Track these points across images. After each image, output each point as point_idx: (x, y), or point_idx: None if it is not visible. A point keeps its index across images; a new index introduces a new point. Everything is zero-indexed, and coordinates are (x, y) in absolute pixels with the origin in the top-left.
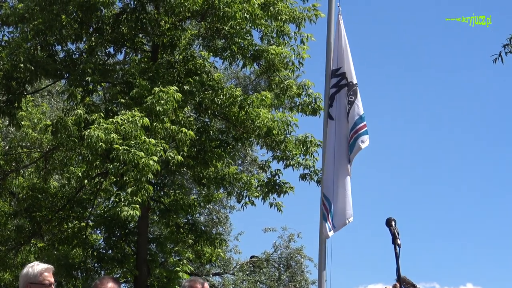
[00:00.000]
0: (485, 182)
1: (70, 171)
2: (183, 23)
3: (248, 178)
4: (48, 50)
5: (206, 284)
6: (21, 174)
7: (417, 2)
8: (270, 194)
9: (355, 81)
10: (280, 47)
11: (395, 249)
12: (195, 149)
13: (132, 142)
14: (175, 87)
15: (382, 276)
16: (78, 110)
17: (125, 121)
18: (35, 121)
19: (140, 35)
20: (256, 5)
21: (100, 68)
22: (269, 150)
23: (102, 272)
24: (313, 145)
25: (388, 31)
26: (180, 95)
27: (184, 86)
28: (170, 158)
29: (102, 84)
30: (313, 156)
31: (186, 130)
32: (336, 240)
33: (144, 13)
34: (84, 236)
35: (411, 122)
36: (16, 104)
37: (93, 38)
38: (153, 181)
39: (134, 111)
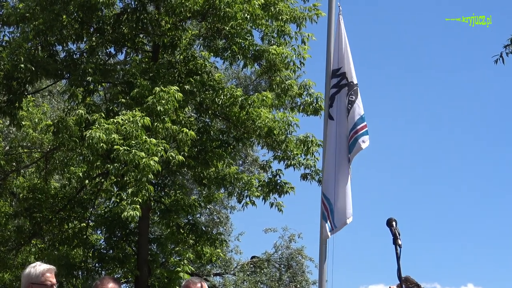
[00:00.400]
0: (485, 182)
1: (71, 171)
2: (183, 23)
3: (249, 178)
4: (48, 50)
5: (203, 284)
6: (21, 174)
7: (417, 2)
8: (271, 194)
9: (355, 81)
10: (281, 47)
11: (396, 249)
12: (196, 149)
13: (133, 142)
14: (176, 87)
15: (383, 277)
16: (79, 110)
17: (126, 121)
18: (36, 121)
19: (141, 35)
20: (257, 6)
21: (101, 68)
22: (270, 150)
23: (102, 272)
24: (314, 145)
25: (388, 31)
26: (181, 95)
27: (185, 86)
28: (171, 158)
29: (103, 84)
30: (314, 156)
31: (187, 130)
32: (337, 240)
33: (144, 13)
34: (84, 237)
35: (411, 122)
36: (16, 104)
37: (94, 38)
38: (153, 182)
39: (135, 111)
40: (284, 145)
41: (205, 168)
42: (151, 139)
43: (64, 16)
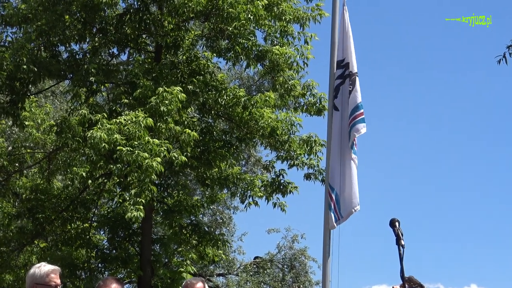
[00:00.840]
0: (488, 182)
1: (74, 171)
2: (186, 24)
3: (252, 178)
4: (51, 50)
5: (203, 284)
6: (24, 174)
7: (417, 2)
8: (275, 194)
9: (354, 70)
10: (284, 47)
11: (399, 250)
12: (199, 150)
13: (136, 143)
14: (179, 88)
15: (386, 277)
16: (82, 110)
17: (129, 122)
18: (39, 121)
19: (144, 36)
20: (260, 6)
21: (104, 68)
22: (273, 150)
23: (105, 272)
24: (317, 144)
25: (388, 31)
26: (184, 95)
27: (188, 87)
28: (174, 158)
29: (106, 84)
30: (317, 155)
31: (190, 131)
32: (341, 240)
33: (147, 14)
34: (87, 237)
35: (412, 122)
36: (19, 105)
37: (96, 39)
38: (156, 182)
39: (138, 112)
40: (287, 145)
41: (208, 169)
42: (154, 139)
43: (67, 17)
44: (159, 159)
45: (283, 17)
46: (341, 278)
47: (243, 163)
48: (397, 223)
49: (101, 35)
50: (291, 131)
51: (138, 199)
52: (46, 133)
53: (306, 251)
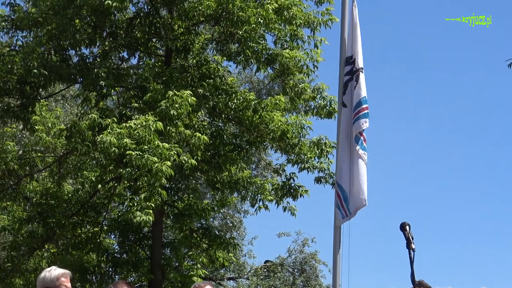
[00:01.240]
0: (497, 185)
1: (84, 175)
2: (196, 28)
3: (262, 182)
4: (61, 54)
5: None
6: (35, 178)
7: (417, 2)
8: (285, 198)
9: (359, 66)
10: (294, 50)
11: (410, 253)
12: (209, 153)
13: (146, 147)
14: (189, 91)
15: (396, 281)
16: (92, 115)
17: (139, 126)
18: (49, 125)
19: (154, 40)
20: (270, 10)
21: (114, 72)
22: (283, 153)
23: (116, 276)
24: (328, 147)
25: (388, 31)
26: (194, 99)
27: (198, 90)
28: (183, 162)
29: (116, 88)
30: (328, 158)
31: (200, 135)
32: (351, 243)
33: (157, 18)
34: (98, 241)
35: (412, 122)
36: (30, 109)
37: (106, 43)
38: (167, 186)
39: (148, 116)
40: (297, 148)
41: (218, 172)
42: (163, 143)
43: (77, 21)
44: (168, 163)
45: (294, 21)
46: (351, 281)
47: (253, 166)
48: (407, 227)
49: (111, 39)
50: (301, 134)
51: (147, 203)
52: (56, 137)
53: (317, 255)
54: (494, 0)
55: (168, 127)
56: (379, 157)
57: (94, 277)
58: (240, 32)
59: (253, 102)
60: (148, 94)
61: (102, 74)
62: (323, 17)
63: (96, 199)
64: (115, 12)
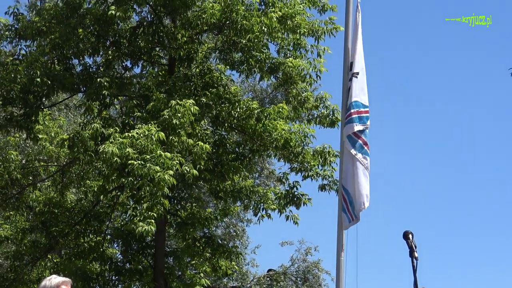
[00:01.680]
0: (498, 188)
1: (87, 185)
2: (199, 37)
3: (265, 191)
4: (65, 63)
5: None
6: (38, 188)
7: (417, 2)
8: (288, 206)
9: (355, 70)
10: (297, 59)
11: (413, 262)
12: (212, 162)
13: (148, 156)
14: (191, 101)
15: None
16: (95, 124)
17: (141, 135)
18: (52, 134)
19: (157, 49)
20: (274, 19)
21: (117, 81)
22: (286, 162)
23: (119, 285)
24: (331, 155)
25: (388, 31)
26: (197, 108)
27: (201, 99)
28: (186, 172)
29: (119, 97)
30: (332, 166)
31: (202, 144)
32: (353, 252)
33: (161, 27)
34: (101, 250)
35: (412, 121)
36: (33, 118)
37: (110, 52)
38: (169, 195)
39: (150, 125)
40: (300, 156)
41: (221, 181)
42: (166, 153)
43: (80, 30)
44: (171, 172)
45: (298, 30)
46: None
47: (256, 175)
48: (410, 236)
49: (114, 48)
50: (304, 143)
51: (149, 213)
52: (59, 146)
53: (320, 263)
54: (494, 0)
55: (171, 137)
56: (385, 162)
57: (97, 286)
58: (244, 41)
59: (256, 111)
60: (151, 103)
61: (105, 83)
62: (326, 26)
63: (99, 208)
64: (119, 21)
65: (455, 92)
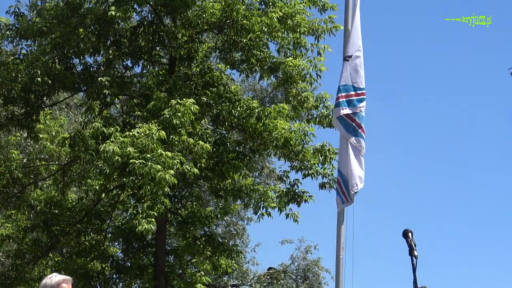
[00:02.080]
0: (497, 187)
1: (88, 183)
2: (200, 36)
3: (265, 189)
4: (66, 63)
5: None
6: (39, 187)
7: (417, 2)
8: (290, 204)
9: (348, 53)
10: (297, 59)
11: (412, 260)
12: (213, 161)
13: (149, 155)
14: (192, 100)
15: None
16: (96, 123)
17: (142, 134)
18: (53, 133)
19: (158, 48)
20: (275, 18)
21: (118, 81)
22: (286, 160)
23: (120, 283)
24: (331, 153)
25: (388, 31)
26: (197, 107)
27: (202, 98)
28: (186, 170)
29: (120, 96)
30: (332, 164)
31: (203, 143)
32: (352, 251)
33: (161, 26)
34: (102, 248)
35: (412, 122)
36: (34, 117)
37: (110, 51)
38: (170, 194)
39: (151, 124)
40: (301, 155)
41: (222, 180)
42: (166, 152)
43: (81, 29)
44: (172, 171)
45: (298, 29)
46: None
47: (256, 174)
48: (410, 234)
49: (115, 47)
50: (304, 141)
51: (150, 211)
52: (60, 145)
53: (320, 262)
54: (494, 0)
55: (171, 136)
56: (385, 161)
57: (98, 284)
58: (244, 40)
59: (256, 110)
60: (152, 103)
61: (106, 82)
62: (326, 25)
63: (100, 207)
64: (119, 21)
65: (455, 92)
